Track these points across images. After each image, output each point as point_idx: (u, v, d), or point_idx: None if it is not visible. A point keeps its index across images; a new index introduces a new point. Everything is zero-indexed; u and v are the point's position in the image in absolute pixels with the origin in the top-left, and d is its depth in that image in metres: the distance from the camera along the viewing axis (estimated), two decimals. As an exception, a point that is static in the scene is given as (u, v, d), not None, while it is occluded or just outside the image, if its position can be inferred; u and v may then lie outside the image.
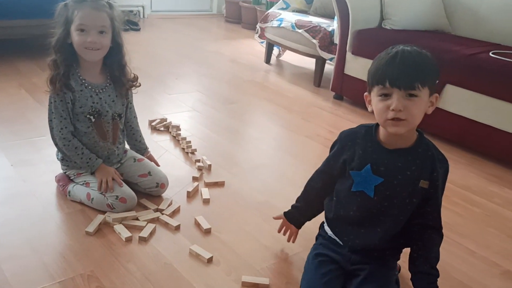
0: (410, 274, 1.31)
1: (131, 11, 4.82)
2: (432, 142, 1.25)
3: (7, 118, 2.31)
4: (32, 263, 1.39)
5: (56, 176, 1.80)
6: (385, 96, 1.15)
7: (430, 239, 1.26)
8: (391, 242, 1.30)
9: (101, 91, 1.67)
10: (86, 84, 1.64)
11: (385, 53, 1.17)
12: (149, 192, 1.80)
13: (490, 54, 2.45)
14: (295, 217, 1.53)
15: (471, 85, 2.41)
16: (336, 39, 3.18)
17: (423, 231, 1.26)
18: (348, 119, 2.88)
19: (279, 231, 1.58)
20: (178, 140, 2.33)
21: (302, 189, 1.49)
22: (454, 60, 2.47)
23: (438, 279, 1.25)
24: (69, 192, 1.71)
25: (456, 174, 2.26)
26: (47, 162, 1.96)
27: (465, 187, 2.15)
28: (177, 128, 2.44)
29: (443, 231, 1.30)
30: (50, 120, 1.66)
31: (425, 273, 1.24)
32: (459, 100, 2.47)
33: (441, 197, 1.26)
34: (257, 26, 3.95)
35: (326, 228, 1.42)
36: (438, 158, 1.22)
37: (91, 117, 1.65)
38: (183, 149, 2.24)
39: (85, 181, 1.70)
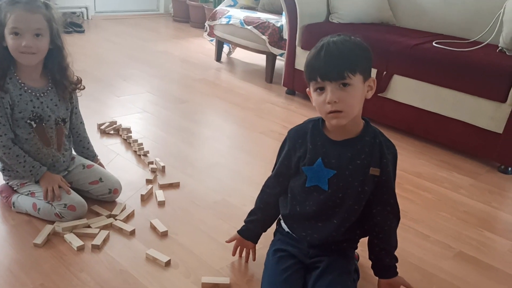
0: (370, 262, 1.33)
1: (74, 13, 4.64)
2: (378, 129, 1.26)
3: None
4: (-24, 281, 1.30)
5: None
6: (320, 90, 1.15)
7: (390, 228, 1.28)
8: (348, 233, 1.30)
9: (42, 95, 1.58)
10: (25, 88, 1.55)
11: (314, 47, 1.17)
12: (101, 198, 1.73)
13: (434, 44, 2.53)
14: (252, 232, 1.46)
15: (417, 75, 2.48)
16: (285, 35, 3.19)
17: (383, 219, 1.27)
18: (301, 113, 2.90)
19: (233, 254, 1.49)
20: (130, 143, 2.26)
21: (258, 185, 1.46)
22: (400, 51, 2.53)
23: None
24: (13, 203, 1.62)
25: (407, 162, 2.32)
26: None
27: (416, 174, 2.21)
28: (128, 130, 2.37)
29: (398, 217, 1.32)
30: None
31: (388, 265, 1.29)
32: (406, 90, 2.54)
33: (394, 183, 1.28)
34: (206, 24, 3.91)
35: (283, 224, 1.41)
36: (386, 145, 1.23)
37: (32, 122, 1.56)
38: (135, 151, 2.18)
39: (29, 191, 1.61)
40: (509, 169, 2.27)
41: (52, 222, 1.57)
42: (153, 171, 2.02)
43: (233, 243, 1.50)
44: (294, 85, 3.16)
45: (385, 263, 1.30)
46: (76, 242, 1.48)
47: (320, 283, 1.24)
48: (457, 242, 1.71)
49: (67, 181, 1.68)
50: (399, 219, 1.30)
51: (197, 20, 5.09)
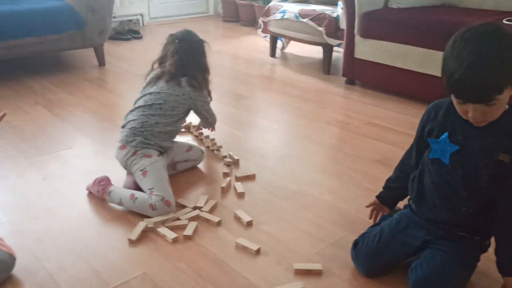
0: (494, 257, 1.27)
1: (131, 20, 4.81)
2: None
3: (30, 135, 2.31)
4: (84, 272, 1.39)
5: (96, 178, 1.78)
6: (463, 101, 1.11)
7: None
8: (470, 219, 1.25)
9: None
10: None
11: (452, 45, 1.08)
12: (195, 163, 2.01)
13: (504, 21, 2.44)
14: (390, 199, 1.52)
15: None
16: (342, 24, 3.17)
17: (508, 211, 1.20)
18: (364, 102, 2.88)
19: (370, 218, 1.56)
20: (201, 139, 2.32)
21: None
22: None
23: None
24: (110, 192, 1.71)
25: None
26: (76, 173, 1.96)
27: None
28: (198, 127, 2.44)
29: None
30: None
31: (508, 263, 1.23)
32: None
33: None
34: (259, 21, 3.94)
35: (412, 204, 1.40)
36: None
37: None
38: (208, 147, 2.24)
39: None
40: None
41: (141, 217, 1.65)
42: (228, 164, 2.07)
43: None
44: (355, 74, 3.14)
45: (507, 259, 1.22)
46: (170, 234, 1.55)
47: (426, 260, 1.24)
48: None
49: (177, 158, 1.93)
50: None
51: (247, 18, 5.14)
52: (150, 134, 1.78)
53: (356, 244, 1.41)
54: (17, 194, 1.80)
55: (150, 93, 1.86)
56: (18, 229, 1.58)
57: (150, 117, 1.81)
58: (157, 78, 1.89)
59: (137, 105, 1.87)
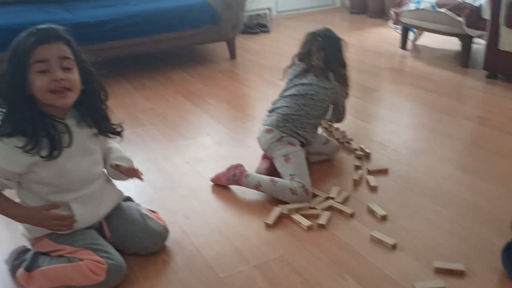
0: None
1: (259, 14, 4.96)
2: None
3: (172, 121, 2.52)
4: (226, 249, 1.49)
5: (231, 165, 1.85)
6: None
7: None
8: None
9: None
10: None
11: None
12: (329, 157, 2.02)
13: None
14: None
15: None
16: (485, 14, 2.94)
17: None
18: (508, 97, 2.65)
19: None
20: (331, 131, 2.33)
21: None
22: None
23: None
24: (247, 175, 1.78)
25: None
26: (214, 158, 2.09)
27: None
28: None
29: None
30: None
31: None
32: None
33: None
34: (391, 11, 3.81)
35: None
36: None
37: None
38: (338, 139, 2.24)
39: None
40: None
41: (275, 203, 1.70)
42: (359, 157, 2.05)
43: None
44: (498, 68, 2.89)
45: None
46: (305, 222, 1.59)
47: None
48: None
49: (312, 150, 1.95)
50: None
51: (375, 9, 5.00)
52: (299, 124, 1.84)
53: (508, 247, 1.32)
54: (165, 174, 1.98)
55: (302, 84, 1.92)
56: (167, 205, 1.73)
57: (302, 106, 1.86)
58: (305, 72, 1.95)
59: (288, 93, 1.94)
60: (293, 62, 2.03)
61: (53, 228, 1.30)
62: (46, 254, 1.35)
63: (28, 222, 1.31)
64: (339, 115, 2.11)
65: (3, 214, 1.30)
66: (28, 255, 1.36)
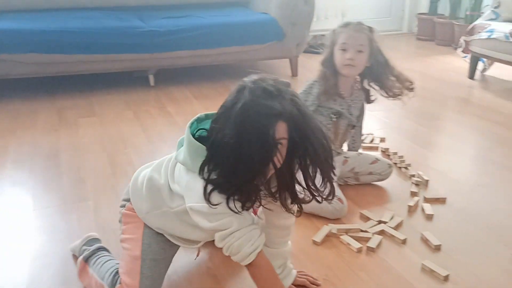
0: None
1: (323, 35, 4.97)
2: None
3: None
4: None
5: None
6: None
7: None
8: None
9: (350, 101, 1.86)
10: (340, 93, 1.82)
11: None
12: (381, 177, 1.95)
13: None
14: None
15: None
16: None
17: None
18: None
19: None
20: (388, 155, 2.27)
21: None
22: None
23: None
24: None
25: None
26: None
27: None
28: (382, 140, 2.40)
29: None
30: None
31: None
32: None
33: None
34: (461, 40, 3.69)
35: None
36: None
37: (333, 116, 1.81)
38: (395, 163, 2.17)
39: None
40: None
41: (325, 220, 1.67)
42: (417, 184, 1.98)
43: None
44: None
45: None
46: (354, 244, 1.54)
47: None
48: None
49: (359, 169, 1.92)
50: None
51: (444, 37, 4.86)
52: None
53: None
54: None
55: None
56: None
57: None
58: None
59: None
60: None
61: None
62: (107, 251, 1.39)
63: None
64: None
65: None
66: (94, 247, 1.39)
